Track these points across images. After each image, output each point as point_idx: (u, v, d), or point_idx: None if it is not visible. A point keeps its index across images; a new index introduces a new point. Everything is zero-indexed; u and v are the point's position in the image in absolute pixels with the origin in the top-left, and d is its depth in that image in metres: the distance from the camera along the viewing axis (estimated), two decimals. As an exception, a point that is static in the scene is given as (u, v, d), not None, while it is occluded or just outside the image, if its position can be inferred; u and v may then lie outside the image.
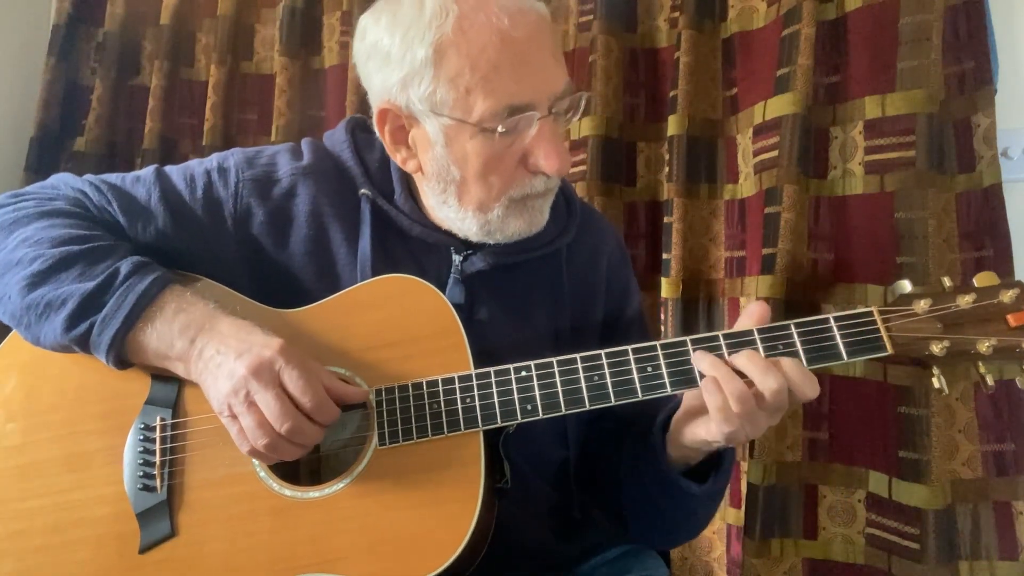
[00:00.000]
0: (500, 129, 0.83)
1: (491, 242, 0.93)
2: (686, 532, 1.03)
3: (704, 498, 0.89)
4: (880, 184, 1.33)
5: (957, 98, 1.32)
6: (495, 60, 0.81)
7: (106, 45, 2.09)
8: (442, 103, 0.84)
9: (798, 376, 0.77)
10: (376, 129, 0.93)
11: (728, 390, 0.77)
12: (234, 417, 0.79)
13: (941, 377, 0.80)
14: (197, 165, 0.98)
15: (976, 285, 0.79)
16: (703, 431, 0.82)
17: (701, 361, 0.79)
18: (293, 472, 0.88)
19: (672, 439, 0.88)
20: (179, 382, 0.88)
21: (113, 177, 0.97)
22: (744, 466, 1.38)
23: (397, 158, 0.93)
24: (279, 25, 1.93)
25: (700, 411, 0.83)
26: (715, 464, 0.89)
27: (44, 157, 2.05)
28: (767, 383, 0.76)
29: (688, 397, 0.86)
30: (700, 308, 1.52)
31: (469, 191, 0.89)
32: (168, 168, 0.98)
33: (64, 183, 0.97)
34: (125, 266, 0.84)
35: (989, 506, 1.26)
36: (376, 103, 0.90)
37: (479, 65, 0.81)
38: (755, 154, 1.45)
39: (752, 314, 0.82)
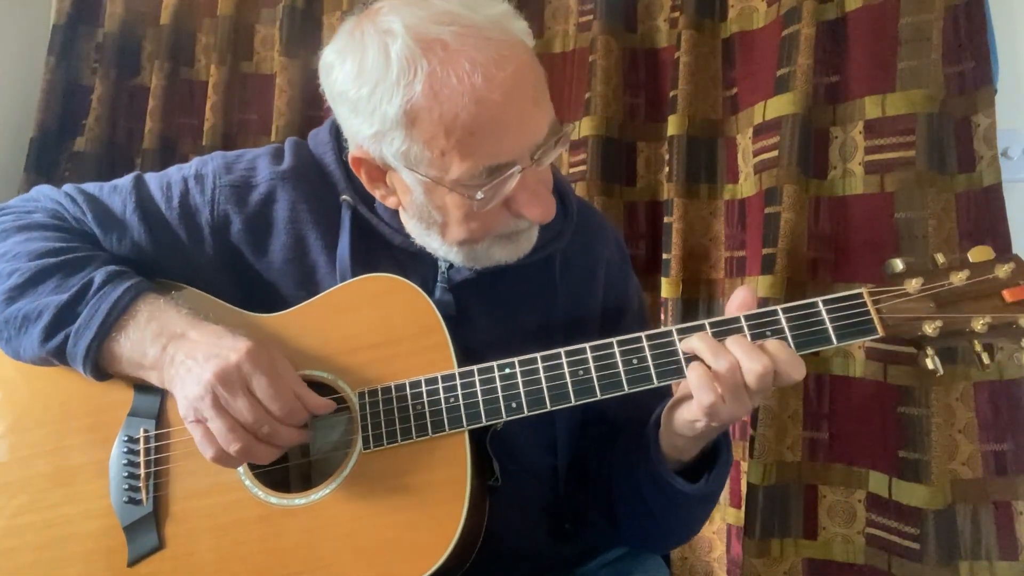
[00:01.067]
0: (479, 196, 0.79)
1: (478, 267, 0.91)
2: (678, 534, 1.02)
3: (696, 499, 0.88)
4: (880, 184, 1.33)
5: (957, 98, 1.32)
6: (470, 126, 0.76)
7: (106, 45, 2.08)
8: (417, 161, 0.80)
9: (784, 357, 0.76)
10: (351, 166, 0.90)
11: (716, 367, 0.75)
12: (198, 422, 0.78)
13: (935, 357, 0.77)
14: (176, 172, 0.96)
15: (971, 260, 0.77)
16: (687, 411, 0.81)
17: (688, 342, 0.78)
18: (284, 477, 0.87)
19: (663, 431, 0.86)
20: (162, 392, 0.87)
21: (92, 187, 0.96)
22: (744, 466, 1.38)
23: (376, 195, 0.90)
24: (279, 25, 1.93)
25: (688, 396, 0.81)
26: (710, 465, 0.88)
27: (44, 157, 2.05)
28: (751, 366, 0.75)
29: (682, 386, 0.84)
30: (700, 308, 1.52)
31: (452, 231, 0.86)
32: (148, 176, 0.97)
33: (44, 195, 0.96)
34: (99, 276, 0.84)
35: (989, 506, 1.26)
36: (350, 147, 0.87)
37: (453, 130, 0.76)
38: (755, 154, 1.45)
39: (740, 302, 0.81)
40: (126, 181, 0.96)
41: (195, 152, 2.01)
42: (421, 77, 0.75)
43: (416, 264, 0.93)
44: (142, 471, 0.86)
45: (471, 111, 0.75)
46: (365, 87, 0.79)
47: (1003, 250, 1.26)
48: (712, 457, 0.88)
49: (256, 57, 2.04)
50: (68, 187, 0.96)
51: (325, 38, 1.93)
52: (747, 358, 0.75)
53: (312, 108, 1.93)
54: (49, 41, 2.10)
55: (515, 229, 0.87)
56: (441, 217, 0.85)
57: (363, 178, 0.89)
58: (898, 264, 0.79)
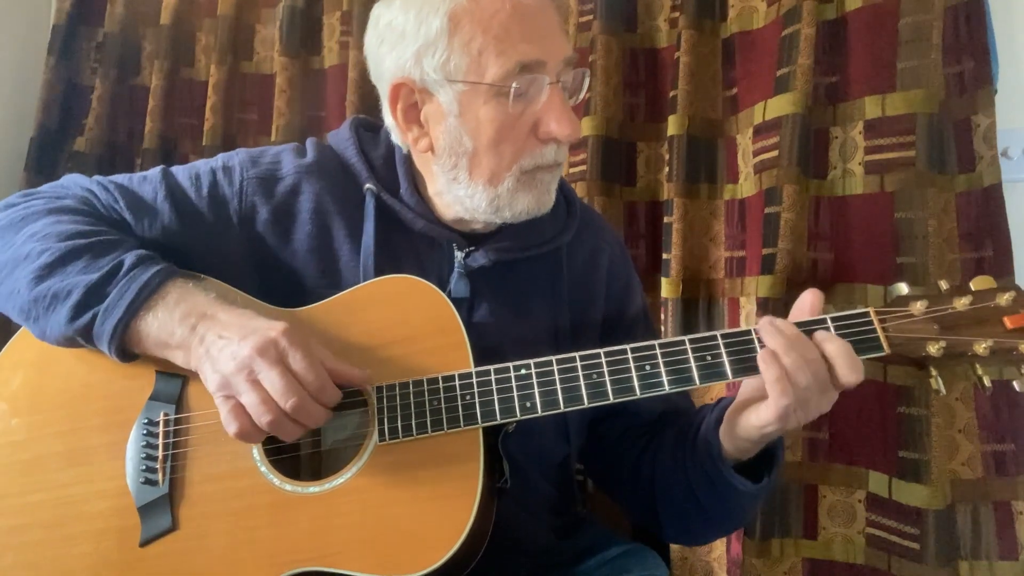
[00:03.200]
0: (514, 85, 0.86)
1: (499, 221, 0.94)
2: (728, 527, 1.07)
3: (755, 496, 0.90)
4: (880, 184, 1.33)
5: (957, 98, 1.32)
6: (506, 22, 0.86)
7: (106, 45, 2.08)
8: (456, 69, 0.87)
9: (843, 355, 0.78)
10: (388, 111, 0.95)
11: (791, 360, 0.77)
12: (229, 397, 0.79)
13: (939, 378, 0.81)
14: (203, 164, 0.99)
15: (972, 288, 0.80)
16: (754, 417, 0.82)
17: (764, 330, 0.80)
18: (294, 469, 0.88)
19: (725, 434, 0.88)
20: (183, 378, 0.89)
21: (121, 177, 0.99)
22: (744, 466, 1.38)
23: (408, 138, 0.94)
24: (279, 25, 1.93)
25: (754, 400, 0.83)
26: (767, 460, 0.90)
27: (44, 157, 2.05)
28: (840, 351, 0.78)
29: (744, 388, 0.86)
30: (700, 308, 1.51)
31: (480, 162, 0.90)
32: (174, 168, 1.00)
33: (74, 183, 0.99)
34: (129, 258, 0.85)
35: (989, 506, 1.26)
36: (389, 81, 0.92)
37: (491, 27, 0.86)
38: (755, 154, 1.45)
39: (809, 305, 0.84)
40: (154, 172, 0.99)
41: (195, 152, 2.01)
42: None
43: (434, 251, 0.97)
44: (160, 453, 0.88)
45: (508, 11, 0.86)
46: (412, 9, 0.89)
47: (1002, 250, 1.27)
48: (768, 453, 0.90)
49: (256, 57, 2.04)
50: (98, 177, 0.99)
51: (325, 38, 1.93)
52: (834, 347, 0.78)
53: (312, 108, 1.93)
54: (49, 41, 2.09)
55: (541, 162, 0.91)
56: (472, 143, 0.90)
57: (398, 119, 0.94)
58: (903, 287, 0.83)
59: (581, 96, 0.95)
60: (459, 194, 0.93)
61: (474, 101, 0.88)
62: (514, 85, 0.86)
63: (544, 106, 0.89)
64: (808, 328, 0.81)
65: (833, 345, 0.78)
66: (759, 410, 0.81)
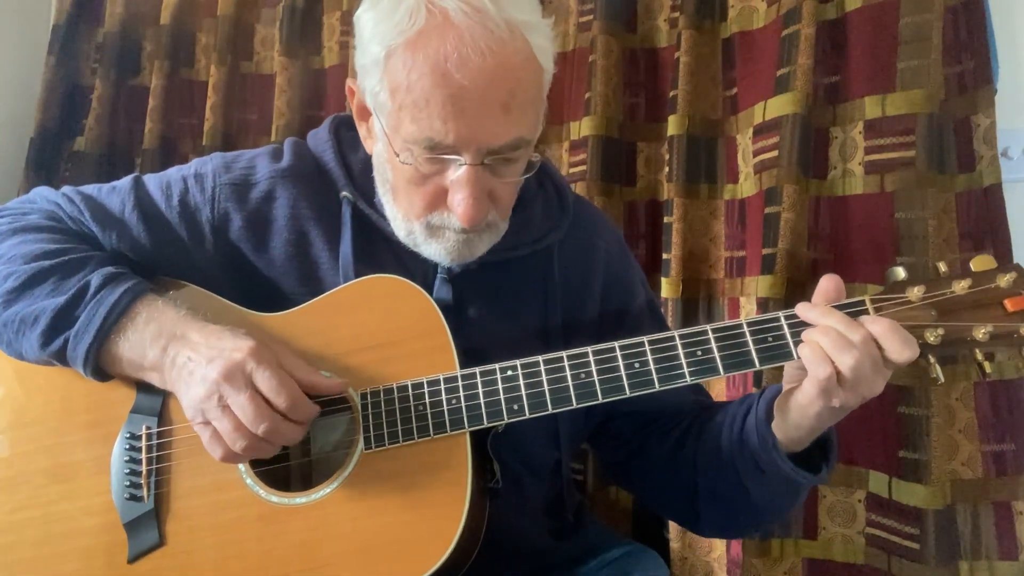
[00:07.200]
0: (407, 161, 0.81)
1: (422, 253, 0.91)
2: (779, 517, 1.06)
3: (812, 484, 0.88)
4: (880, 184, 1.33)
5: (957, 98, 1.32)
6: (427, 93, 0.77)
7: (106, 45, 2.08)
8: (381, 108, 0.83)
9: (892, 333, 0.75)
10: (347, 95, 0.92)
11: (852, 338, 0.74)
12: (206, 423, 0.78)
13: (937, 366, 0.77)
14: (175, 172, 0.97)
15: (972, 269, 0.77)
16: (797, 398, 0.80)
17: (807, 312, 0.78)
18: (284, 476, 0.87)
19: (779, 425, 0.85)
20: (164, 391, 0.87)
21: (90, 188, 0.97)
22: (744, 466, 1.38)
23: (360, 132, 0.93)
24: (279, 25, 1.93)
25: (798, 383, 0.80)
26: (822, 453, 0.88)
27: (44, 157, 2.05)
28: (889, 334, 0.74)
29: (788, 374, 0.84)
30: (700, 308, 1.51)
31: (399, 197, 0.89)
32: (147, 177, 0.97)
33: (41, 196, 0.97)
34: (96, 279, 0.84)
35: (989, 506, 1.26)
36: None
37: (413, 89, 0.78)
38: (755, 154, 1.45)
39: (824, 292, 0.81)
40: (124, 182, 0.96)
41: (195, 152, 2.01)
42: (411, 32, 0.78)
43: (417, 257, 0.93)
44: (144, 468, 0.87)
45: (432, 80, 0.77)
46: (371, 21, 0.82)
47: (1003, 250, 1.26)
48: (822, 445, 0.87)
49: (256, 57, 2.03)
50: (66, 189, 0.97)
51: (325, 38, 1.93)
52: (886, 331, 0.75)
53: (312, 108, 1.93)
54: (49, 41, 2.09)
55: (447, 224, 0.86)
56: (392, 177, 0.88)
57: (354, 110, 0.92)
58: (900, 272, 0.79)
59: (530, 174, 0.87)
60: (388, 212, 0.92)
61: (394, 143, 0.83)
62: (407, 161, 0.81)
63: (454, 182, 0.82)
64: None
65: (879, 326, 0.75)
66: (801, 388, 0.78)
